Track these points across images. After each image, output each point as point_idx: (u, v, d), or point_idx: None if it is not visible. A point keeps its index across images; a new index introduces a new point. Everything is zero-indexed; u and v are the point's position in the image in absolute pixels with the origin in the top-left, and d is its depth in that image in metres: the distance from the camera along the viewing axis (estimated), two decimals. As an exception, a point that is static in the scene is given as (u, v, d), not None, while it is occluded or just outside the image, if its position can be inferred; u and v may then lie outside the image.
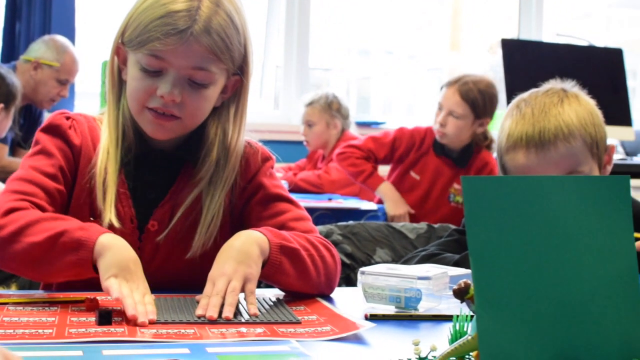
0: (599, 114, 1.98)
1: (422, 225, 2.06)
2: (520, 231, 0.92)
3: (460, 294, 1.22)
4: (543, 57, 4.89)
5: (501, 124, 1.99)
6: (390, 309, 1.50)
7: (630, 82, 5.66)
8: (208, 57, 1.59)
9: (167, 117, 1.62)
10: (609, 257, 0.99)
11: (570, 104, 1.94)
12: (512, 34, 5.31)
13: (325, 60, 5.57)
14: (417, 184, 4.14)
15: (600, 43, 5.23)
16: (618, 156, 4.90)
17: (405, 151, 4.12)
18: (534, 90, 2.01)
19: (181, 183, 1.70)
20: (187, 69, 1.59)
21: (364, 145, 4.09)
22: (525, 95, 2.00)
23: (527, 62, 4.76)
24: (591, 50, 5.15)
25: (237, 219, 1.73)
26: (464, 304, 1.14)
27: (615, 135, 4.86)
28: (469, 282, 1.08)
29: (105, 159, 1.65)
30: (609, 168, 2.00)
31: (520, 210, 0.92)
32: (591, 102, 1.98)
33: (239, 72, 1.68)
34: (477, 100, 3.91)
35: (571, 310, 0.95)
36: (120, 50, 1.66)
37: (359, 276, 1.54)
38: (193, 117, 1.65)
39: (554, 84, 2.01)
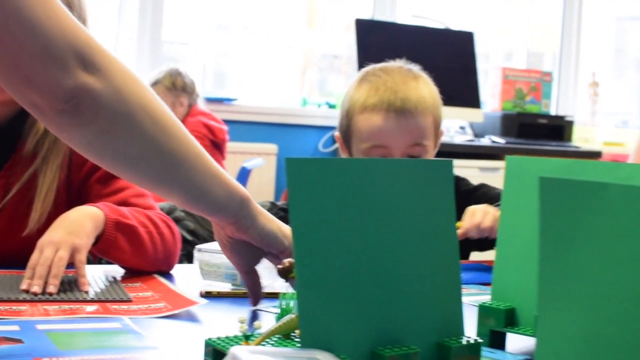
0: (440, 98, 2.08)
1: (266, 203, 2.07)
2: (344, 212, 0.94)
3: (284, 273, 1.23)
4: (396, 38, 4.96)
5: (352, 90, 2.06)
6: (226, 286, 1.50)
7: (483, 65, 5.79)
8: None
9: None
10: (432, 239, 1.01)
11: (424, 83, 2.06)
12: (368, 14, 5.35)
13: (181, 34, 5.52)
14: None
15: (456, 26, 5.32)
16: (467, 137, 5.01)
17: None
18: (384, 63, 2.08)
19: (16, 159, 1.67)
20: None
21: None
22: (377, 66, 2.09)
23: (381, 43, 4.83)
24: (443, 33, 5.24)
25: (75, 195, 1.71)
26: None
27: (464, 117, 4.97)
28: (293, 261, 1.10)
29: None
30: (436, 151, 2.09)
31: (343, 192, 0.94)
32: (433, 85, 2.08)
33: None
34: None
35: (392, 290, 0.97)
36: None
37: (196, 253, 1.54)
38: None
39: (401, 62, 2.09)
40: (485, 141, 4.99)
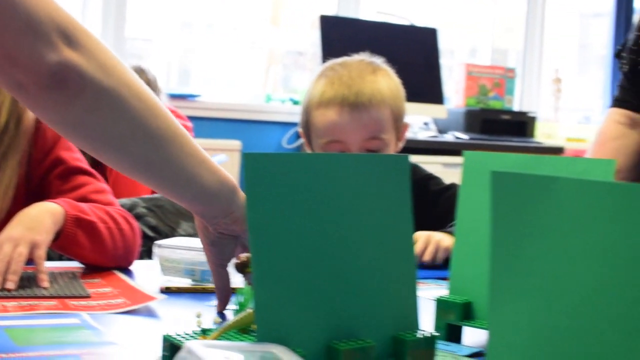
0: (403, 91, 2.07)
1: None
2: (300, 207, 0.94)
3: (241, 267, 1.24)
4: (360, 34, 4.97)
5: (311, 85, 2.07)
6: (186, 282, 1.51)
7: (448, 62, 5.81)
8: None
9: None
10: (387, 233, 1.02)
11: (383, 76, 2.05)
12: (333, 11, 5.36)
13: (145, 31, 5.51)
14: None
15: (421, 22, 5.34)
16: (431, 133, 5.02)
17: None
18: (345, 58, 2.08)
19: None
20: None
21: None
22: (337, 60, 2.08)
23: (345, 39, 4.83)
24: (407, 29, 5.26)
25: (35, 192, 1.71)
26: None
27: (428, 113, 4.99)
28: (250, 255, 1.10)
29: None
30: (401, 145, 2.08)
31: (299, 187, 0.94)
32: (397, 79, 2.07)
33: None
34: None
35: (348, 285, 0.98)
36: None
37: (155, 249, 1.54)
38: None
39: (364, 55, 2.09)
40: (449, 137, 5.01)
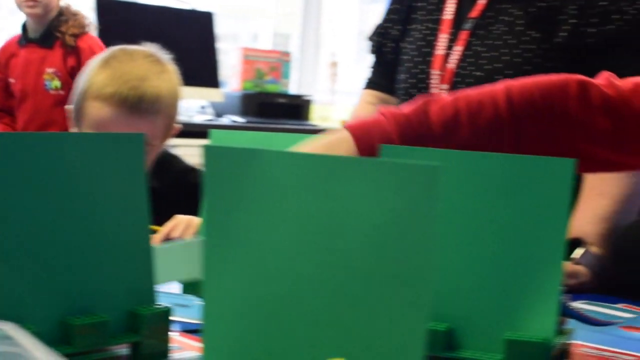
0: (181, 91, 2.05)
1: None
2: (32, 186, 0.95)
3: None
4: (138, 18, 4.94)
5: (93, 70, 1.97)
6: None
7: (231, 46, 5.85)
8: None
9: None
10: (122, 210, 1.04)
11: (168, 80, 2.00)
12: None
13: None
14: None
15: (203, 7, 5.35)
16: (207, 117, 5.05)
17: None
18: (134, 48, 2.03)
19: None
20: None
21: None
22: (126, 49, 2.01)
23: (122, 24, 4.79)
24: (186, 13, 5.26)
25: None
26: None
27: (205, 97, 5.02)
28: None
29: None
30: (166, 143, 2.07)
31: (33, 166, 0.95)
32: (179, 80, 2.05)
33: None
34: None
35: (82, 260, 0.99)
36: None
37: None
38: None
39: (151, 48, 2.04)
40: (225, 120, 5.04)
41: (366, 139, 1.24)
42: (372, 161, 0.69)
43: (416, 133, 1.25)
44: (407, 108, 1.29)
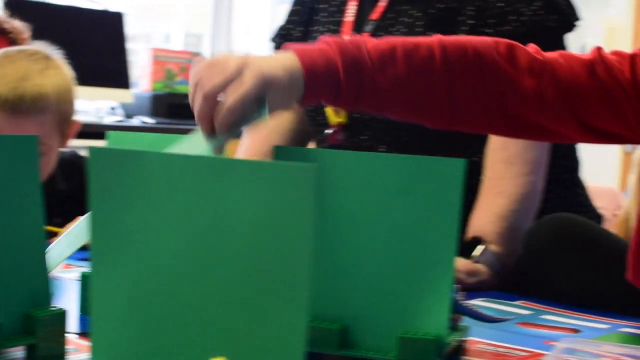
0: (74, 88, 2.02)
1: None
2: None
3: None
4: (48, 18, 4.88)
5: None
6: None
7: (142, 47, 5.80)
8: None
9: None
10: (16, 212, 1.03)
11: (54, 76, 1.96)
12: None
13: None
14: None
15: (115, 8, 5.31)
16: (117, 118, 5.01)
17: None
18: (18, 49, 2.00)
19: None
20: None
21: None
22: (9, 52, 1.98)
23: (32, 24, 4.73)
24: (96, 14, 5.22)
25: None
26: None
27: (114, 98, 4.98)
28: None
29: None
30: (68, 142, 2.04)
31: None
32: (71, 76, 2.01)
33: None
34: None
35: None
36: None
37: None
38: None
39: (40, 46, 2.02)
40: (135, 122, 5.01)
41: (309, 61, 1.27)
42: (252, 163, 0.70)
43: (356, 61, 1.29)
44: (345, 39, 1.32)
